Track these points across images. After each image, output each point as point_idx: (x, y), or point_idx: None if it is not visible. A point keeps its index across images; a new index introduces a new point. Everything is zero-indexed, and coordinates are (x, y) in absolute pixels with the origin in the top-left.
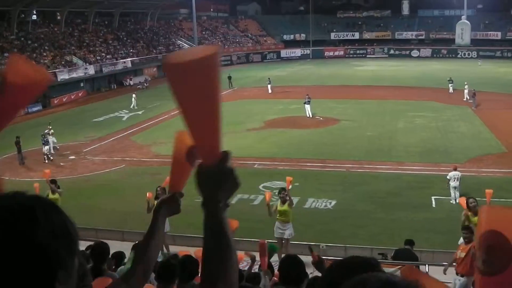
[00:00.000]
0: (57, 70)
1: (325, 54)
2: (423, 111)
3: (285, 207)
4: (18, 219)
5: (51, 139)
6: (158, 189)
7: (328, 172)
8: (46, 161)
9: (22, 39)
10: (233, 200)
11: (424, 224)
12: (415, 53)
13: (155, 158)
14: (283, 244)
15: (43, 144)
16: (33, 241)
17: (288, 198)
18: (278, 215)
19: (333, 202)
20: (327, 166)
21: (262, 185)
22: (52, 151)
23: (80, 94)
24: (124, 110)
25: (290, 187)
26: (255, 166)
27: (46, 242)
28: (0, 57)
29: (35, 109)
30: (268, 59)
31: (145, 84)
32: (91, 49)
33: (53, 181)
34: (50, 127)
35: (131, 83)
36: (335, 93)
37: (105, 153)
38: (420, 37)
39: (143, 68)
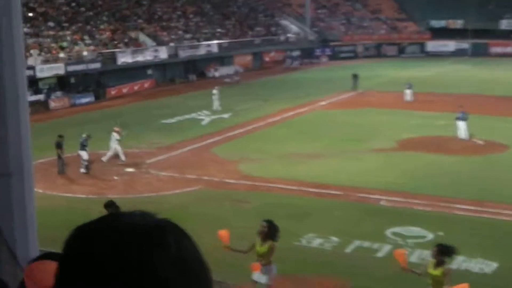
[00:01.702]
0: (118, 50)
1: (491, 50)
2: None
3: (438, 271)
4: (143, 245)
5: (115, 144)
6: (264, 224)
7: (487, 220)
8: (85, 170)
9: (73, 4)
10: (348, 248)
11: None
12: None
13: (243, 179)
14: None
15: (81, 149)
16: (159, 275)
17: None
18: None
19: (493, 265)
20: (485, 211)
21: (390, 230)
22: (84, 160)
23: (146, 85)
24: (205, 111)
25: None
26: (381, 203)
27: (174, 277)
28: (43, 26)
29: (84, 100)
30: (408, 54)
31: (235, 77)
32: (164, 24)
33: (110, 204)
34: (118, 129)
35: (216, 74)
36: (504, 107)
37: (175, 168)
38: None
39: (234, 55)
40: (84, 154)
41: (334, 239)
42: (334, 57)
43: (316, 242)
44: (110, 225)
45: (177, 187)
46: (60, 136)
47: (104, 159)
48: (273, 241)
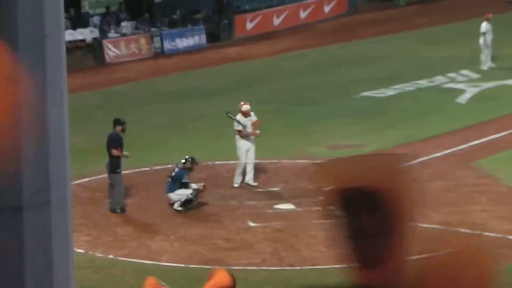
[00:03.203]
0: None
1: None
2: None
3: None
4: None
5: (242, 145)
6: None
7: None
8: (181, 207)
9: None
10: None
11: None
12: None
13: None
14: None
15: (172, 188)
16: None
17: None
18: None
19: None
20: None
21: None
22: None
23: (327, 9)
24: (464, 72)
25: None
26: None
27: None
28: None
29: (184, 43)
30: None
31: None
32: None
33: None
34: (247, 106)
35: None
36: None
37: None
38: None
39: None
40: (183, 194)
41: None
42: None
43: None
44: None
45: None
46: (119, 123)
47: (236, 182)
48: None
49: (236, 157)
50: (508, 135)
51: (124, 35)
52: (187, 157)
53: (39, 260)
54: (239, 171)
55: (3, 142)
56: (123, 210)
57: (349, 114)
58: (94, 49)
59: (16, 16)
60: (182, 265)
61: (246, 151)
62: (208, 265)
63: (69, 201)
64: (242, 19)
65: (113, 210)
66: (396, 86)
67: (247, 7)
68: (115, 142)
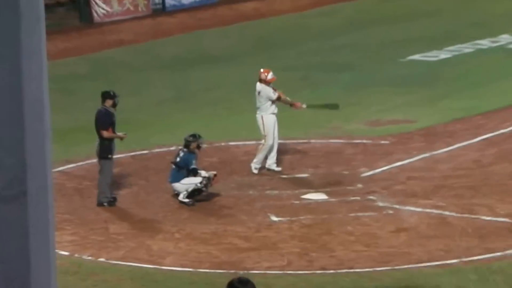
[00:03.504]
0: None
1: None
2: None
3: None
4: None
5: (268, 123)
6: None
7: None
8: (187, 199)
9: None
10: None
11: None
12: None
13: None
14: None
15: (174, 176)
16: None
17: None
18: None
19: None
20: None
21: None
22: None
23: None
24: None
25: None
26: None
27: None
28: None
29: None
30: None
31: None
32: None
33: None
34: (271, 74)
35: None
36: None
37: (451, 193)
38: None
39: None
40: (190, 183)
41: None
42: None
43: None
44: None
45: (447, 255)
46: (109, 96)
47: (255, 167)
48: None
49: (257, 136)
50: None
51: None
52: (187, 136)
53: (13, 263)
54: (263, 153)
55: None
56: (111, 202)
57: (393, 82)
58: (80, 5)
59: None
60: (190, 269)
61: (273, 128)
62: (221, 269)
63: (50, 192)
64: None
65: (100, 204)
66: (451, 48)
67: None
68: (104, 120)
